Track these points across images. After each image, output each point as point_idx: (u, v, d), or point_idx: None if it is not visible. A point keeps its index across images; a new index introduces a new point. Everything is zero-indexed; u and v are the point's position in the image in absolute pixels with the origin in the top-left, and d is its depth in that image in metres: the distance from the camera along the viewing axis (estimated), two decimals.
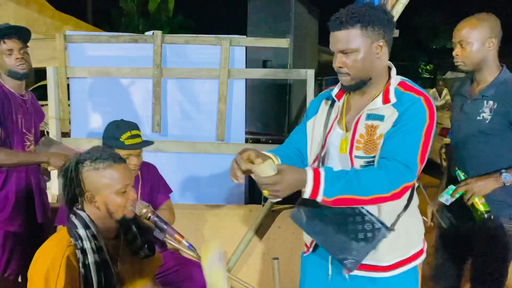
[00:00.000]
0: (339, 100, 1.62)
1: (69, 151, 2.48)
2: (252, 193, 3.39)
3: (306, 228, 1.63)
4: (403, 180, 1.40)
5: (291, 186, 1.38)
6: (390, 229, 1.51)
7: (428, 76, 24.50)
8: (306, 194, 1.40)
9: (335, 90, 1.65)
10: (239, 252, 2.84)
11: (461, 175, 2.06)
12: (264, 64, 4.01)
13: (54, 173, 3.28)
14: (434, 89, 9.53)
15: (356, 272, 1.56)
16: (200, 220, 2.97)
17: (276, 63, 3.88)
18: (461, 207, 2.04)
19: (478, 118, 2.02)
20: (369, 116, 1.51)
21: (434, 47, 25.25)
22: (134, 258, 1.71)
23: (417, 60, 26.22)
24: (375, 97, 1.52)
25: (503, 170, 1.94)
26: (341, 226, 1.53)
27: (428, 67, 26.25)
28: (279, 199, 1.44)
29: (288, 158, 1.65)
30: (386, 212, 1.53)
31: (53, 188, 3.28)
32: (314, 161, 1.65)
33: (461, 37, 2.03)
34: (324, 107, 1.68)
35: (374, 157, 1.49)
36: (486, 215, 1.95)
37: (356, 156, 1.52)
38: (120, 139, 2.20)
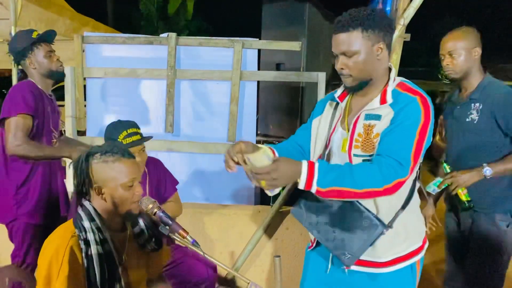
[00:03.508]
0: (341, 101, 1.69)
1: (87, 148, 2.56)
2: (262, 193, 3.42)
3: (306, 225, 1.68)
4: (395, 176, 1.43)
5: (286, 175, 1.42)
6: (388, 226, 1.55)
7: (448, 82, 24.13)
8: (301, 184, 1.44)
9: (338, 92, 1.71)
10: (247, 252, 2.87)
11: (447, 168, 2.25)
12: (278, 67, 4.04)
13: (69, 172, 3.37)
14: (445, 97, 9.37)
15: (354, 268, 1.61)
16: (209, 219, 3.01)
17: (290, 66, 3.91)
18: (463, 209, 2.21)
19: (467, 120, 2.20)
20: (367, 116, 1.56)
21: None
22: (141, 252, 1.74)
23: (437, 66, 25.89)
24: (374, 98, 1.57)
25: (484, 164, 2.08)
26: (340, 222, 1.58)
27: None
28: (275, 191, 1.50)
29: (286, 151, 1.72)
30: (384, 210, 1.57)
31: (68, 186, 3.36)
32: (317, 159, 1.70)
33: (450, 48, 2.20)
34: (329, 108, 1.75)
35: (372, 155, 1.53)
36: (468, 204, 2.15)
37: (354, 155, 1.57)
38: (118, 139, 2.25)
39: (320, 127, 1.74)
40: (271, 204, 2.95)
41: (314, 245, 1.79)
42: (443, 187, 2.18)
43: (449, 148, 2.37)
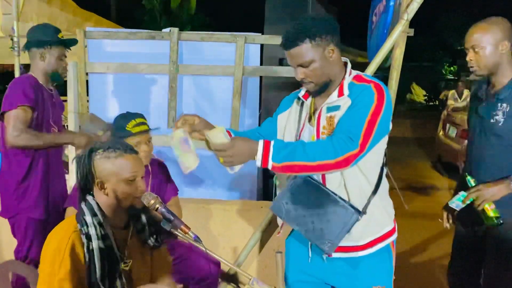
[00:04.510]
0: (306, 99, 1.76)
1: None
2: (265, 189, 3.42)
3: (286, 219, 1.73)
4: (346, 149, 1.51)
5: (243, 153, 1.52)
6: (362, 212, 1.64)
7: (452, 77, 24.01)
8: (258, 161, 1.54)
9: (302, 91, 1.78)
10: (249, 248, 2.87)
11: (471, 181, 2.06)
12: (281, 62, 4.03)
13: (72, 167, 3.38)
14: (453, 91, 9.30)
15: (334, 254, 1.68)
16: (211, 214, 3.01)
17: None
18: (491, 226, 2.04)
19: (492, 120, 2.02)
20: (328, 109, 1.66)
21: (458, 48, 24.69)
22: (145, 251, 1.74)
23: (441, 61, 25.74)
24: (332, 92, 1.66)
25: None
26: (317, 213, 1.65)
27: (452, 68, 25.74)
28: (234, 169, 1.58)
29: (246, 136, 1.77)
30: (355, 196, 1.65)
31: (71, 180, 3.36)
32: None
33: (474, 41, 2.02)
34: (296, 105, 1.81)
35: None
36: (496, 221, 1.96)
37: None
38: (127, 128, 2.30)
39: (288, 124, 1.80)
40: (273, 199, 2.95)
41: (281, 231, 1.88)
42: (468, 202, 2.02)
43: (470, 149, 2.21)
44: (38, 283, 1.53)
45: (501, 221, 1.96)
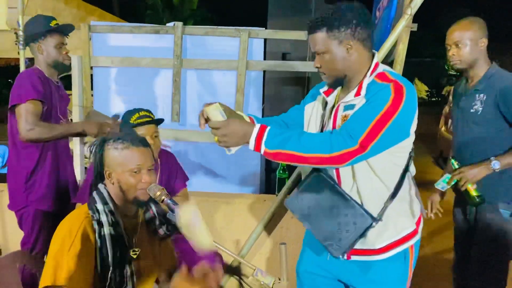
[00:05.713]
0: (327, 96, 1.71)
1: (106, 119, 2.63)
2: (267, 183, 3.44)
3: (299, 216, 1.73)
4: (344, 145, 1.44)
5: (236, 134, 1.46)
6: (377, 219, 1.58)
7: (455, 73, 23.95)
8: (251, 145, 1.49)
9: (325, 87, 1.72)
10: (251, 241, 2.89)
11: (455, 164, 2.25)
12: (284, 57, 4.04)
13: (76, 159, 3.40)
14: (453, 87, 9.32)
15: (347, 256, 1.63)
16: (214, 208, 3.03)
17: (296, 56, 3.90)
18: (474, 205, 2.20)
19: (471, 111, 2.21)
20: (345, 108, 1.61)
21: None
22: (153, 240, 1.77)
23: (443, 57, 25.65)
24: (351, 91, 1.60)
25: (492, 158, 2.09)
26: (329, 215, 1.62)
27: None
28: (231, 150, 1.52)
29: (266, 123, 1.70)
30: (370, 200, 1.59)
31: (76, 174, 3.39)
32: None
33: (457, 38, 2.21)
34: (319, 101, 1.77)
35: None
36: (478, 199, 2.14)
37: None
38: (130, 121, 2.33)
39: (312, 117, 1.76)
40: (276, 193, 2.98)
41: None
42: (452, 183, 2.20)
43: (455, 139, 2.40)
44: (45, 264, 1.54)
45: (484, 199, 2.13)
